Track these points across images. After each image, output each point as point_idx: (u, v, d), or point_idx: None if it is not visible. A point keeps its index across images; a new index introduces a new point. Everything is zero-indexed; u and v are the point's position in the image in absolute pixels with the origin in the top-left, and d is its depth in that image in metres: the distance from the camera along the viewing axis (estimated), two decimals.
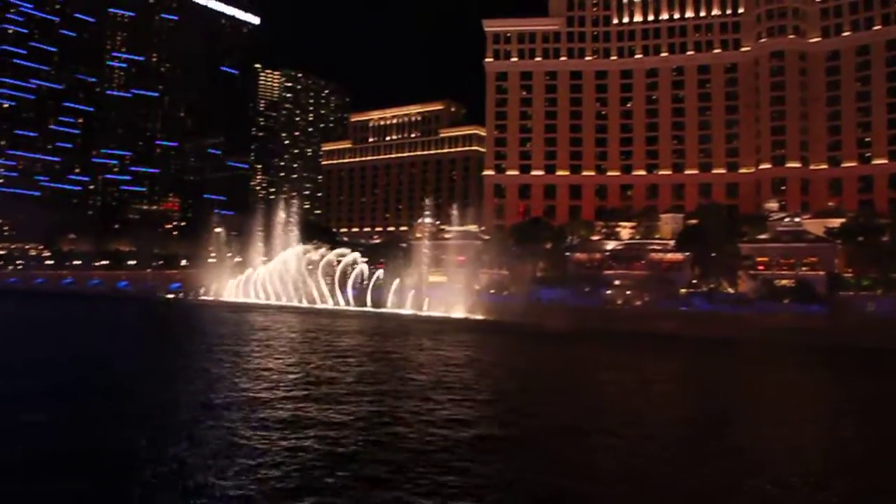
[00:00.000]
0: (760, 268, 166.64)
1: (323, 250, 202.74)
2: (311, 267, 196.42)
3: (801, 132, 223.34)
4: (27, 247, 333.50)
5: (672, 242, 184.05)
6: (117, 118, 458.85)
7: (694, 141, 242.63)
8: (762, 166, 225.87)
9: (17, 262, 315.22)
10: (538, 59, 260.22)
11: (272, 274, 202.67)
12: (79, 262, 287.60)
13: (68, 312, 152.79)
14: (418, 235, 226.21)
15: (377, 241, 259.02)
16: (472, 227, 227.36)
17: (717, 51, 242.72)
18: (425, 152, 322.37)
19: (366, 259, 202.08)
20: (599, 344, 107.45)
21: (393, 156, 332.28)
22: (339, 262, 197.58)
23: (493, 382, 63.27)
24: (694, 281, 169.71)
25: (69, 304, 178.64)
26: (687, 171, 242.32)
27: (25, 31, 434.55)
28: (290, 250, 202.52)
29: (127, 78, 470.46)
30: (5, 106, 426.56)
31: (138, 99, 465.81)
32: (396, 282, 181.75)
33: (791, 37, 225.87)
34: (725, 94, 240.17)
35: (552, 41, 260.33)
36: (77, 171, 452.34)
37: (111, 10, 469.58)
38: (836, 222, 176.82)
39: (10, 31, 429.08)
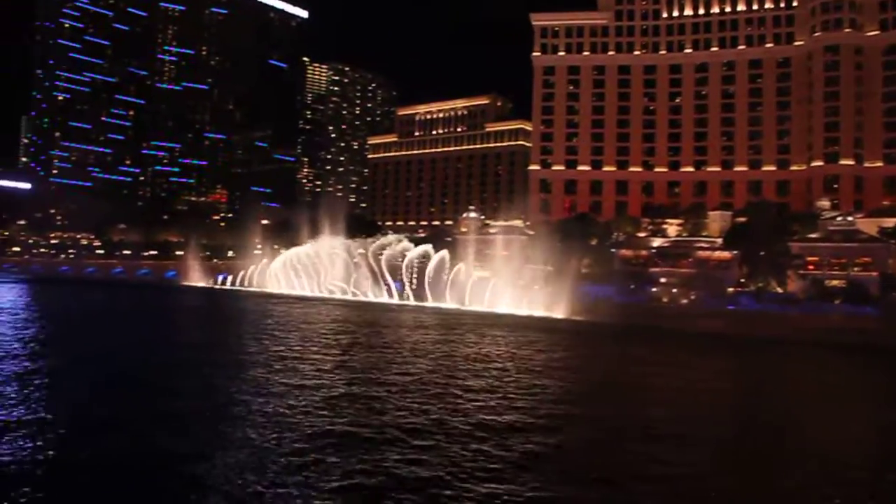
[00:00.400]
0: (810, 267, 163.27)
1: (389, 238, 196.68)
2: (356, 260, 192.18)
3: (856, 128, 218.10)
4: (79, 236, 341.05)
5: (720, 240, 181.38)
6: (167, 111, 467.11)
7: (744, 137, 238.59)
8: (814, 163, 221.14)
9: (70, 251, 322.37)
10: (586, 53, 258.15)
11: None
12: (128, 252, 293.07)
13: (137, 300, 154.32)
14: (463, 230, 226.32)
15: (422, 234, 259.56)
16: (517, 223, 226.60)
17: (769, 45, 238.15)
18: (471, 146, 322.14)
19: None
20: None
21: (439, 150, 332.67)
22: (404, 255, 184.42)
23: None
24: (742, 280, 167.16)
25: (124, 292, 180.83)
26: (736, 168, 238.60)
27: (81, 25, 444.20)
28: (324, 241, 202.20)
29: (177, 71, 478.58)
30: (60, 98, 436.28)
31: (188, 92, 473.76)
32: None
33: (847, 30, 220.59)
34: (777, 89, 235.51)
35: (600, 35, 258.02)
36: (128, 162, 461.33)
37: (162, 4, 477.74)
38: (890, 222, 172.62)
39: (67, 26, 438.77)
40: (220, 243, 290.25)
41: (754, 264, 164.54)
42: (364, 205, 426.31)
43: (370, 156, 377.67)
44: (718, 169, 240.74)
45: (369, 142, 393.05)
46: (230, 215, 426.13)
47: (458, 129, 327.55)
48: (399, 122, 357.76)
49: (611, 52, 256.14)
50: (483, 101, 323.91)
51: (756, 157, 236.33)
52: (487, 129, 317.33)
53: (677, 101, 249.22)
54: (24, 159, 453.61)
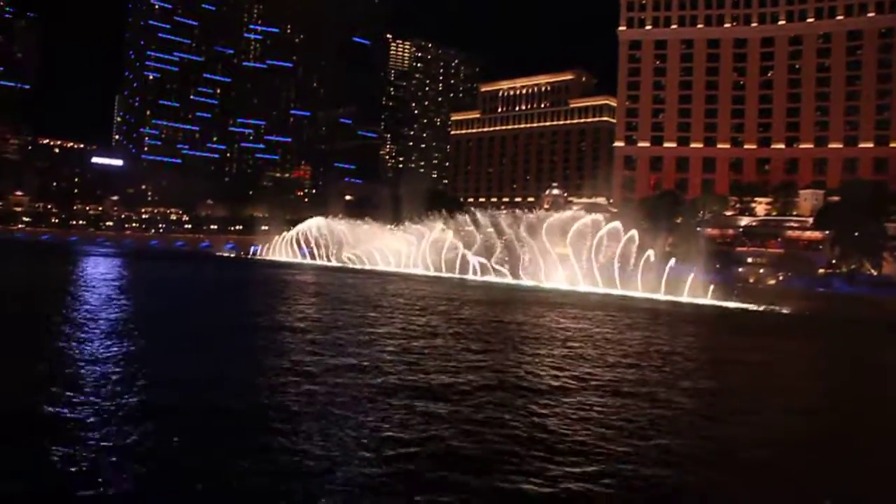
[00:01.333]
0: None
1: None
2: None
3: None
4: (168, 211, 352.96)
5: (811, 220, 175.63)
6: (253, 89, 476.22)
7: (840, 113, 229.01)
8: None
9: (160, 225, 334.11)
10: (674, 26, 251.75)
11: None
12: (215, 227, 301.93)
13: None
14: (546, 206, 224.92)
15: (504, 211, 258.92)
16: (601, 200, 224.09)
17: (870, 14, 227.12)
18: (554, 123, 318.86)
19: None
20: None
21: (522, 126, 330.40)
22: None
23: None
24: (833, 261, 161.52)
25: (214, 265, 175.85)
26: (831, 145, 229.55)
27: (170, 6, 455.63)
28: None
29: (262, 49, 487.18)
30: (151, 78, 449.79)
31: (273, 70, 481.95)
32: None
33: None
34: (878, 61, 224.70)
35: (689, 7, 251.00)
36: (215, 139, 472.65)
37: None
38: None
39: (157, 7, 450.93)
40: (305, 218, 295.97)
41: (847, 245, 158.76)
42: (445, 181, 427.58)
43: (452, 132, 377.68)
44: (811, 146, 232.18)
45: (452, 118, 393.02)
46: (314, 191, 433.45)
47: (542, 106, 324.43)
48: (482, 98, 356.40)
49: (699, 26, 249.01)
50: (567, 76, 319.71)
51: (852, 134, 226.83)
52: (571, 106, 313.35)
53: (769, 75, 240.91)
54: (116, 137, 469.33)
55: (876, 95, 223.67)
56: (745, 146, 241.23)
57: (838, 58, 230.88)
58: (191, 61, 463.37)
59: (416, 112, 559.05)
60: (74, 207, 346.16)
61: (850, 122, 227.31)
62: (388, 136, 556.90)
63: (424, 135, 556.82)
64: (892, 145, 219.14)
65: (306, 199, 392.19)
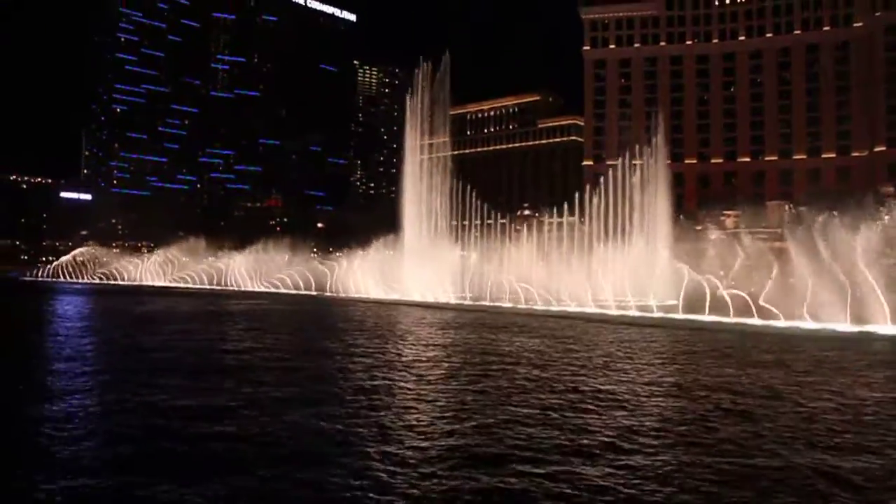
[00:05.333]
0: None
1: None
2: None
3: None
4: (140, 244, 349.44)
5: (779, 231, 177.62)
6: (221, 119, 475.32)
7: (802, 124, 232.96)
8: (877, 149, 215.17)
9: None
10: (637, 45, 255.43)
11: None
12: (186, 259, 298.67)
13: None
14: (517, 228, 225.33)
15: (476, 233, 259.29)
16: (572, 219, 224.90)
17: (826, 28, 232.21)
18: (523, 144, 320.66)
19: None
20: None
21: (490, 148, 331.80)
22: None
23: None
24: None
25: (191, 298, 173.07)
26: (795, 157, 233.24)
27: (136, 38, 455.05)
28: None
29: (230, 79, 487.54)
30: (118, 111, 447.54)
31: (241, 99, 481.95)
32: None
33: None
34: (836, 73, 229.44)
35: (651, 26, 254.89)
36: (185, 171, 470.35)
37: (215, 14, 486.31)
38: None
39: (123, 40, 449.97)
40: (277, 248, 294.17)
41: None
42: None
43: (421, 157, 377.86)
44: (776, 158, 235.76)
45: (420, 142, 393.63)
46: (285, 220, 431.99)
47: (510, 127, 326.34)
48: (450, 121, 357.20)
49: (662, 44, 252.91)
50: (534, 97, 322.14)
51: (815, 145, 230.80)
52: (539, 126, 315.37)
53: (732, 90, 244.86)
54: (85, 171, 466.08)
55: (836, 107, 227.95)
56: (712, 160, 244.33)
57: (798, 71, 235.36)
58: (158, 92, 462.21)
59: (385, 137, 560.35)
60: (44, 243, 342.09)
61: (811, 134, 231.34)
62: (359, 162, 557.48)
63: (395, 160, 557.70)
64: (854, 154, 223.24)
65: (278, 228, 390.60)
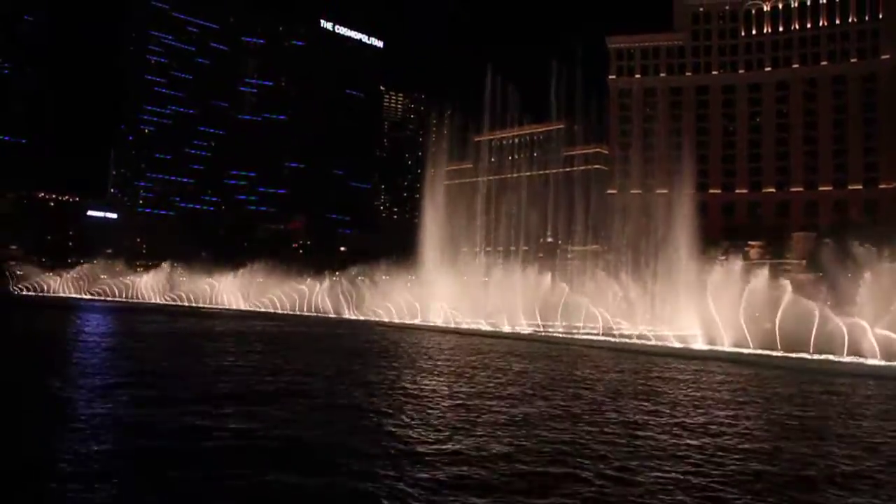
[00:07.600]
0: None
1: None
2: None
3: None
4: (163, 264, 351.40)
5: (804, 262, 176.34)
6: (247, 141, 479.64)
7: (829, 155, 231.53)
8: None
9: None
10: (662, 74, 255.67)
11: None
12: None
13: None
14: (540, 255, 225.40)
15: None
16: (596, 247, 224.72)
17: (853, 60, 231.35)
18: (547, 171, 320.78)
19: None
20: None
21: (514, 175, 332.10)
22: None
23: None
24: (828, 303, 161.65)
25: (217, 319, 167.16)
26: (821, 188, 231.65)
27: (165, 60, 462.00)
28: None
29: (257, 102, 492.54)
30: (146, 132, 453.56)
31: (267, 122, 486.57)
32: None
33: None
34: (863, 105, 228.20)
35: (677, 56, 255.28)
36: (209, 192, 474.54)
37: (243, 38, 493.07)
38: None
39: (152, 62, 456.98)
40: (299, 270, 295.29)
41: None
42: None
43: (445, 182, 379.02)
44: (801, 189, 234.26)
45: (445, 168, 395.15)
46: (308, 242, 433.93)
47: (534, 154, 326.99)
48: (474, 148, 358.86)
49: (688, 73, 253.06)
50: (558, 125, 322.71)
51: (841, 176, 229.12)
52: (564, 154, 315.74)
53: (757, 120, 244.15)
54: (112, 191, 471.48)
55: (863, 139, 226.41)
56: (737, 190, 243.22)
57: (825, 102, 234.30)
58: (186, 114, 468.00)
59: (409, 162, 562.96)
60: (69, 261, 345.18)
61: (838, 165, 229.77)
62: (383, 186, 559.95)
63: (418, 185, 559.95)
64: (881, 186, 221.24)
65: (301, 251, 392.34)
